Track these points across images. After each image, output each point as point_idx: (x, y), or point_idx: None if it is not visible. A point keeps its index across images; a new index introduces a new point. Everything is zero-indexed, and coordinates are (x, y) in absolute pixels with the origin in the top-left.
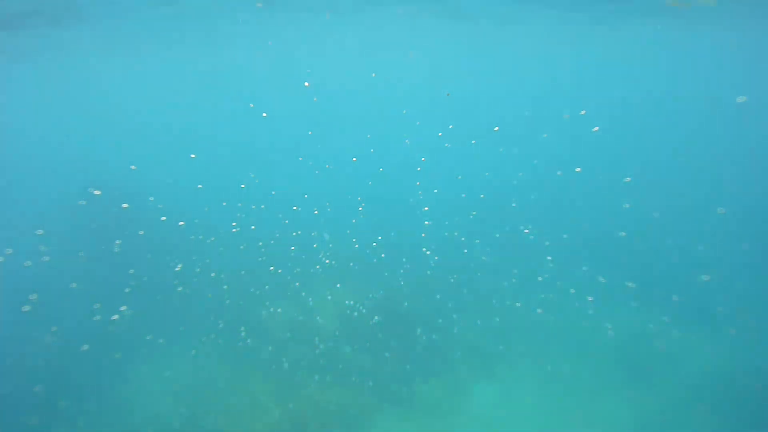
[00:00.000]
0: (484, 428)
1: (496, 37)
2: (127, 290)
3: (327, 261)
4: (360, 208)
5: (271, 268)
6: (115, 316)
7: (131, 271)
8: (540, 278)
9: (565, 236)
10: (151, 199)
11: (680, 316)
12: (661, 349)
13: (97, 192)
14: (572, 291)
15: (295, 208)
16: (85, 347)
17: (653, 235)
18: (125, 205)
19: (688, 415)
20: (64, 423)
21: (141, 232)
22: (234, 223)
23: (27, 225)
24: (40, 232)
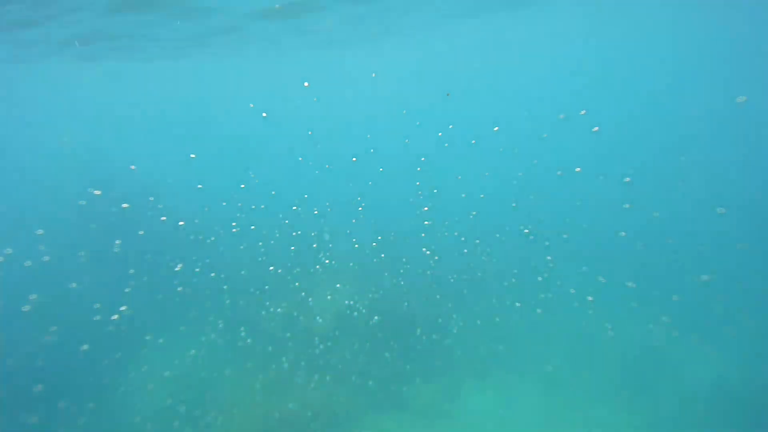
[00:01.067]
0: (482, 428)
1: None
2: (127, 290)
3: (327, 261)
4: (360, 208)
5: (271, 268)
6: (115, 316)
7: (131, 271)
8: (540, 278)
9: (565, 236)
10: (151, 199)
11: (680, 316)
12: (660, 350)
13: (97, 192)
14: (572, 291)
15: (294, 208)
16: (85, 347)
17: (653, 235)
18: (125, 205)
19: (685, 419)
20: (64, 423)
21: (141, 232)
22: (234, 223)
23: (27, 225)
24: (40, 232)
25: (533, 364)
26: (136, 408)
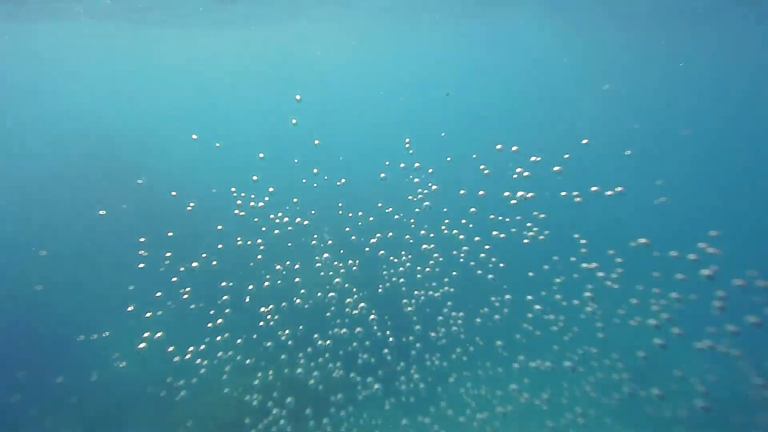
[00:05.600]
0: (481, 427)
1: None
2: (131, 288)
3: (327, 261)
4: (360, 214)
5: (274, 266)
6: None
7: (131, 270)
8: (539, 278)
9: (565, 236)
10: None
11: (679, 315)
12: (660, 348)
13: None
14: (572, 291)
15: (295, 200)
16: (84, 344)
17: (654, 234)
18: (125, 206)
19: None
20: (63, 422)
21: (142, 240)
22: (238, 210)
23: (28, 225)
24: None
25: (533, 364)
26: (136, 408)
